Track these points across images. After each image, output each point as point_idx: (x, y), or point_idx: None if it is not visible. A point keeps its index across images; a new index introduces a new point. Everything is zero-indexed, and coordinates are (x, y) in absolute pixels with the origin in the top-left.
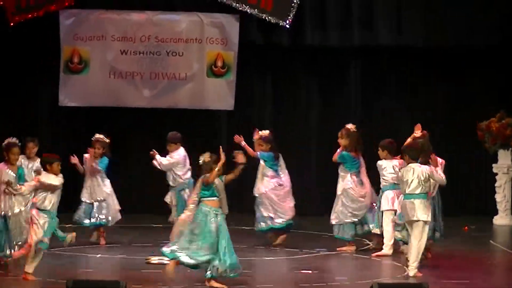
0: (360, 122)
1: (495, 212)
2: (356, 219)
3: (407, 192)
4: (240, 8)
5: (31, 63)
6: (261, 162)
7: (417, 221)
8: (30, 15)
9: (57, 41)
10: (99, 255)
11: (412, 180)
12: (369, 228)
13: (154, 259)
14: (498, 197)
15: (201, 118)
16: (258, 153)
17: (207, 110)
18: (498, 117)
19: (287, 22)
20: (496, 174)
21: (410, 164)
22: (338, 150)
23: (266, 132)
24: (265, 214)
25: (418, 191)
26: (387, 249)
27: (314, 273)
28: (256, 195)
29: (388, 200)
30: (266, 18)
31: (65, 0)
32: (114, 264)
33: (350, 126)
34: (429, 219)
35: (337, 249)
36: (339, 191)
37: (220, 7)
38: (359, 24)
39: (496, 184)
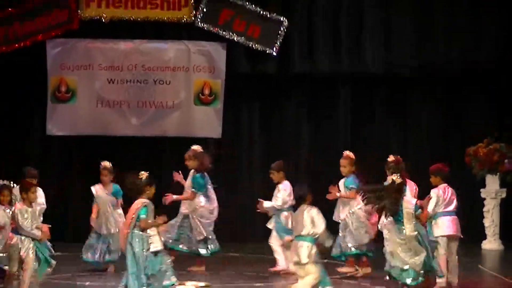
0: (349, 148)
1: (484, 237)
2: None
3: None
4: (227, 36)
5: (20, 93)
6: None
7: None
8: (17, 45)
9: (44, 70)
10: (87, 283)
11: None
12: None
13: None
14: (486, 222)
15: (189, 145)
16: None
17: (195, 138)
18: (485, 142)
19: (274, 49)
20: (484, 199)
21: None
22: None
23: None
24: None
25: None
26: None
27: None
28: None
29: None
30: (253, 45)
31: (52, 30)
32: None
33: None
34: None
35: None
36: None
37: (207, 35)
38: (347, 52)
39: (484, 209)
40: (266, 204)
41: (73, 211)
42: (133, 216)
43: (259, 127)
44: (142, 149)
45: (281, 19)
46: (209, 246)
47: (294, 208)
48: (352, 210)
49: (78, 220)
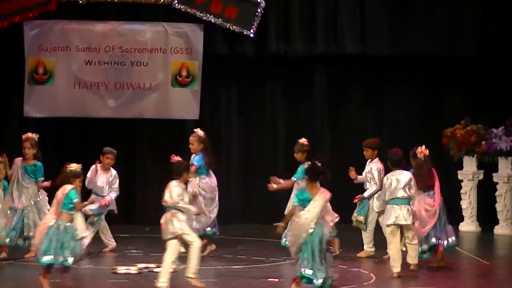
0: (326, 129)
1: (461, 219)
2: None
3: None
4: (204, 18)
5: None
6: None
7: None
8: None
9: (21, 52)
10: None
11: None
12: None
13: (121, 269)
14: (463, 203)
15: (166, 127)
16: None
17: (172, 119)
18: (463, 124)
19: (252, 31)
20: (462, 181)
21: None
22: None
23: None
24: None
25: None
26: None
27: (281, 281)
28: None
29: None
30: (230, 27)
31: (29, 11)
32: (80, 274)
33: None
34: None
35: None
36: None
37: (184, 17)
38: (324, 33)
39: (462, 191)
40: None
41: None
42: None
43: (236, 108)
44: (119, 130)
45: (258, 0)
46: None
47: None
48: None
49: None
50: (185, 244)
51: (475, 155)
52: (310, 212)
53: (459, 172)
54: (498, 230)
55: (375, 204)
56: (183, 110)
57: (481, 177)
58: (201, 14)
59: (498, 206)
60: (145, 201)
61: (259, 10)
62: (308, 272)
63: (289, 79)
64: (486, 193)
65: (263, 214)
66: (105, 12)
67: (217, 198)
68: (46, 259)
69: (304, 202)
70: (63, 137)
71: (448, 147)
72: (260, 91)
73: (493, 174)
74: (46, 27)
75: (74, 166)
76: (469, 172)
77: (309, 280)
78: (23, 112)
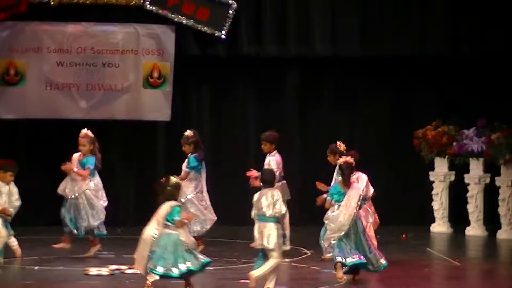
0: (297, 130)
1: (433, 220)
2: None
3: None
4: (176, 19)
5: None
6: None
7: None
8: None
9: None
10: (37, 267)
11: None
12: None
13: (93, 270)
14: (435, 204)
15: (138, 129)
16: None
17: (144, 121)
18: (434, 125)
19: (223, 32)
20: (433, 182)
21: None
22: None
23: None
24: None
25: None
26: None
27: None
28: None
29: None
30: (202, 29)
31: (0, 12)
32: (52, 276)
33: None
34: None
35: None
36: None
37: (155, 18)
38: (295, 34)
39: (433, 192)
40: None
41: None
42: None
43: (208, 109)
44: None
45: (230, 2)
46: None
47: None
48: None
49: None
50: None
51: (447, 156)
52: (347, 207)
53: (430, 173)
54: (470, 231)
55: None
56: (155, 112)
57: (452, 178)
58: (172, 16)
59: (470, 207)
60: (116, 202)
61: (230, 12)
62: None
63: (261, 81)
64: (458, 194)
65: (233, 215)
66: (77, 13)
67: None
68: (160, 270)
69: (337, 197)
70: (35, 139)
71: (419, 148)
72: (232, 93)
73: (465, 175)
74: (17, 28)
75: (174, 180)
76: (440, 173)
77: (363, 266)
78: None
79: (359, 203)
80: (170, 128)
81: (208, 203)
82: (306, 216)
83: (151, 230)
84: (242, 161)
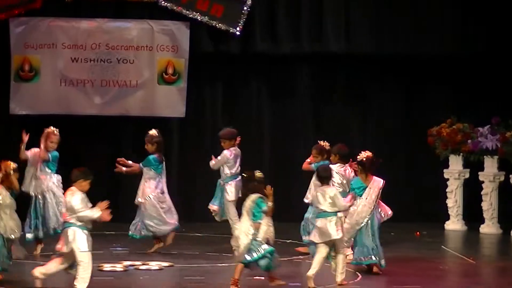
0: (311, 127)
1: (447, 217)
2: None
3: None
4: (190, 15)
5: None
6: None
7: None
8: None
9: (7, 49)
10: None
11: None
12: None
13: (107, 266)
14: (449, 202)
15: (152, 125)
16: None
17: (158, 117)
18: (448, 122)
19: (238, 29)
20: (447, 179)
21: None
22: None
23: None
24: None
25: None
26: None
27: (266, 279)
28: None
29: None
30: (216, 25)
31: (15, 8)
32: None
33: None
34: None
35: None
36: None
37: (170, 15)
38: (309, 31)
39: (448, 190)
40: None
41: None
42: None
43: (222, 106)
44: (105, 128)
45: None
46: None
47: None
48: None
49: None
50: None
51: (461, 154)
52: (367, 200)
53: (445, 170)
54: (484, 228)
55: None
56: (169, 108)
57: (467, 175)
58: (187, 12)
59: (484, 205)
60: (130, 199)
61: (245, 8)
62: (374, 258)
63: (275, 77)
64: (472, 191)
65: None
66: (91, 9)
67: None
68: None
69: (359, 191)
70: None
71: (433, 146)
72: (245, 89)
73: (479, 173)
74: (32, 24)
75: (259, 173)
76: (455, 170)
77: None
78: (9, 109)
79: (379, 196)
80: (184, 124)
81: (170, 205)
82: None
83: (246, 224)
84: (256, 158)
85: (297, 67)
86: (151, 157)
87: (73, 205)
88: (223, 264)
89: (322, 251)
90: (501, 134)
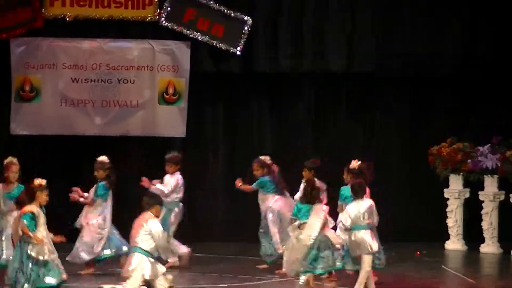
0: (312, 146)
1: (447, 237)
2: None
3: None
4: (191, 35)
5: None
6: None
7: None
8: None
9: (8, 69)
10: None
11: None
12: None
13: (107, 287)
14: (449, 222)
15: (153, 145)
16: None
17: (159, 137)
18: (449, 142)
19: (238, 48)
20: (448, 199)
21: None
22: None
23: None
24: None
25: None
26: None
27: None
28: None
29: None
30: (217, 45)
31: (16, 29)
32: None
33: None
34: None
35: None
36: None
37: (171, 34)
38: (310, 50)
39: (448, 209)
40: None
41: None
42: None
43: (223, 126)
44: (106, 148)
45: (245, 18)
46: None
47: None
48: None
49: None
50: None
51: (461, 173)
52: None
53: (445, 190)
54: (484, 248)
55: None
56: (170, 128)
57: (467, 195)
58: (188, 32)
59: (484, 225)
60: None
61: (246, 28)
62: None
63: (276, 97)
64: (472, 211)
65: (248, 232)
66: (92, 29)
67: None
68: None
69: (349, 199)
70: (50, 155)
71: (434, 165)
72: (246, 109)
73: (479, 192)
74: (33, 44)
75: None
76: (455, 190)
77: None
78: (10, 130)
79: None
80: (185, 144)
81: (105, 234)
82: None
83: (314, 233)
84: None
85: (298, 86)
86: (100, 184)
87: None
88: (223, 285)
89: None
90: (501, 153)
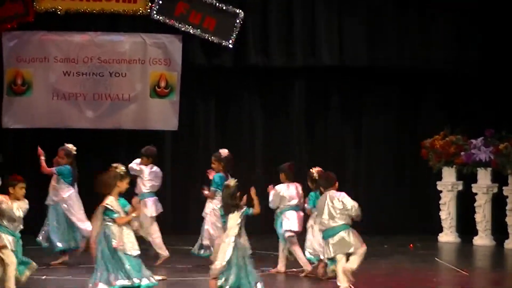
0: (303, 140)
1: (440, 229)
2: None
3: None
4: (183, 29)
5: None
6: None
7: None
8: None
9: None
10: (44, 277)
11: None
12: None
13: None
14: (442, 214)
15: (145, 138)
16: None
17: (151, 130)
18: (442, 134)
19: (230, 42)
20: (441, 191)
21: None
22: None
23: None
24: None
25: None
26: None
27: None
28: None
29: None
30: (209, 38)
31: (8, 22)
32: (59, 286)
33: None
34: None
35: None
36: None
37: (163, 28)
38: (302, 45)
39: (441, 202)
40: None
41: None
42: None
43: (214, 119)
44: (97, 142)
45: (237, 11)
46: None
47: None
48: None
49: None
50: None
51: (454, 166)
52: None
53: (438, 183)
54: (477, 240)
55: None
56: (162, 121)
57: (460, 188)
58: (179, 25)
59: (477, 217)
60: None
61: (237, 21)
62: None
63: (267, 90)
64: (465, 203)
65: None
66: (83, 23)
67: None
68: None
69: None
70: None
71: (427, 158)
72: (238, 102)
73: (472, 185)
74: (24, 38)
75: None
76: (448, 183)
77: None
78: (1, 123)
79: None
80: (177, 137)
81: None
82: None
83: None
84: (248, 171)
85: (290, 80)
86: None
87: None
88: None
89: None
90: (494, 146)
